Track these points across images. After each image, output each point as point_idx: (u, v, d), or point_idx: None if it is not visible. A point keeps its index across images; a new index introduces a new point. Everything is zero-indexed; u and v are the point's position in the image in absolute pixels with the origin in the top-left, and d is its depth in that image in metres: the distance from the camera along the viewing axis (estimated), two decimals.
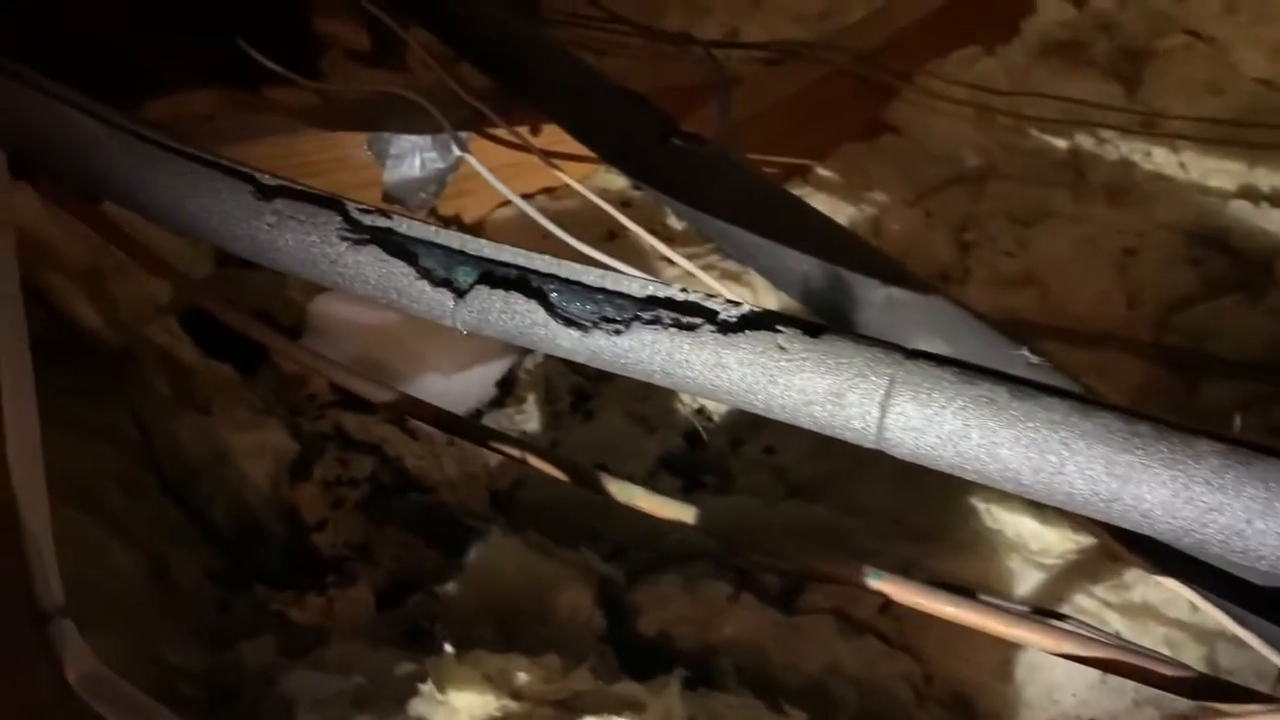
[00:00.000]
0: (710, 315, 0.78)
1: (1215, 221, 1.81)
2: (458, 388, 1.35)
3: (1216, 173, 1.95)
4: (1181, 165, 1.99)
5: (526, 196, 1.74)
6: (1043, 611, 0.90)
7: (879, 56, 2.19)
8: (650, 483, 1.27)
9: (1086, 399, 0.69)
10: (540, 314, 0.83)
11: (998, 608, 0.74)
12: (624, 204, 1.83)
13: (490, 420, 1.40)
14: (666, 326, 0.79)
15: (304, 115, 1.70)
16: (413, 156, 1.64)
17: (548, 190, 1.84)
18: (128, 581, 0.94)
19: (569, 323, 0.83)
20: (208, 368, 1.24)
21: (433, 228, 0.91)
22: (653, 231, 1.45)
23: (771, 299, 1.60)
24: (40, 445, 0.85)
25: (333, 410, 1.34)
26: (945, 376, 0.71)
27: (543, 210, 1.51)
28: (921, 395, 0.70)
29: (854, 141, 2.14)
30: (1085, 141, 2.08)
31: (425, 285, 0.88)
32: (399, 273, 0.89)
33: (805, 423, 0.74)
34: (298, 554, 1.16)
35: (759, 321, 0.76)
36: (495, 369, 1.41)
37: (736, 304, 0.78)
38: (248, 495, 1.13)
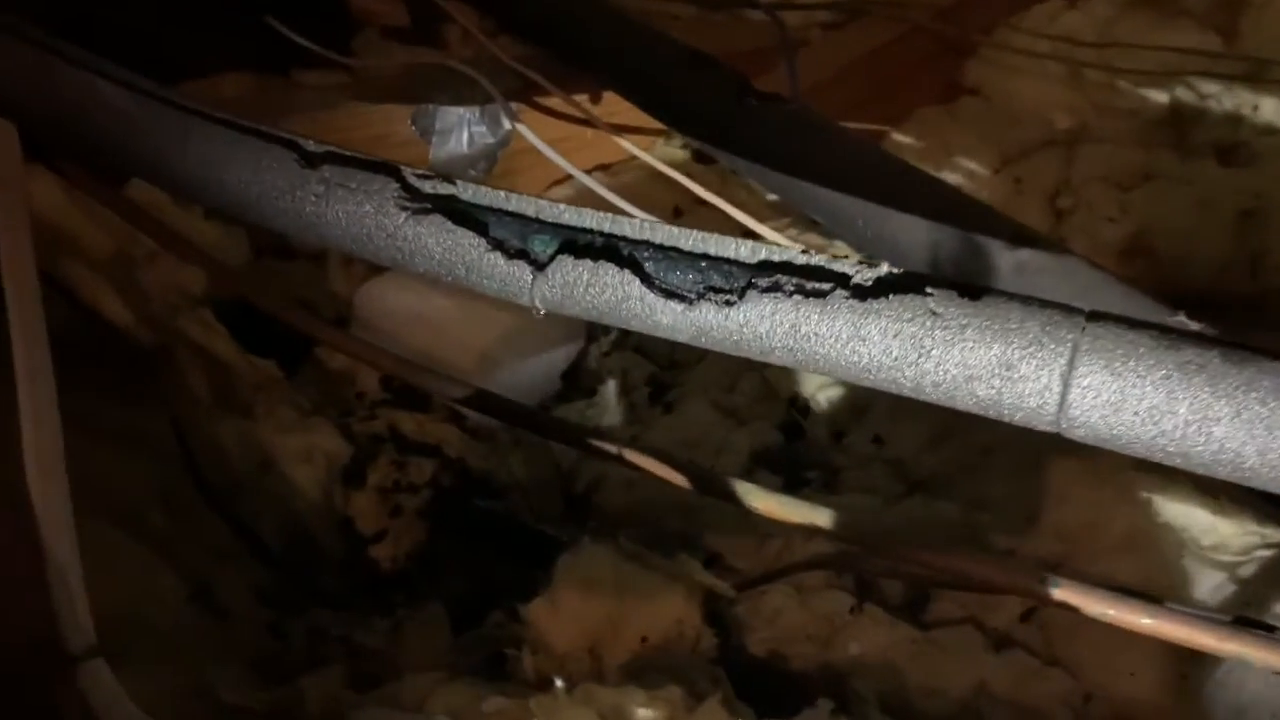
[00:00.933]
0: (842, 279, 0.68)
1: None
2: (518, 381, 1.25)
3: None
4: None
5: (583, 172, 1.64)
6: (1246, 621, 0.79)
7: (953, 13, 2.07)
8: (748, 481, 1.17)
9: None
10: (635, 286, 0.74)
11: (1199, 619, 0.63)
12: (687, 178, 1.73)
13: (560, 414, 1.30)
14: (789, 294, 0.69)
15: (340, 93, 1.61)
16: (460, 131, 1.55)
17: (603, 166, 1.74)
18: (172, 609, 0.85)
19: (669, 295, 0.73)
20: (249, 364, 1.15)
21: (503, 192, 0.82)
22: None
23: None
24: (63, 459, 0.76)
25: (385, 409, 1.25)
26: (1141, 341, 0.60)
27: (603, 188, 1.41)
28: (1115, 364, 0.59)
29: (930, 106, 2.02)
30: (1185, 96, 1.95)
31: (498, 257, 0.78)
32: (468, 244, 0.79)
33: (965, 403, 0.64)
34: (356, 570, 1.07)
35: (903, 283, 0.66)
36: (560, 359, 1.31)
37: (873, 264, 0.68)
38: (298, 505, 1.04)
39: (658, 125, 1.48)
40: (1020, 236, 1.00)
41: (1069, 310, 0.62)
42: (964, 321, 0.63)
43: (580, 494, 1.18)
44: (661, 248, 0.75)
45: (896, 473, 1.14)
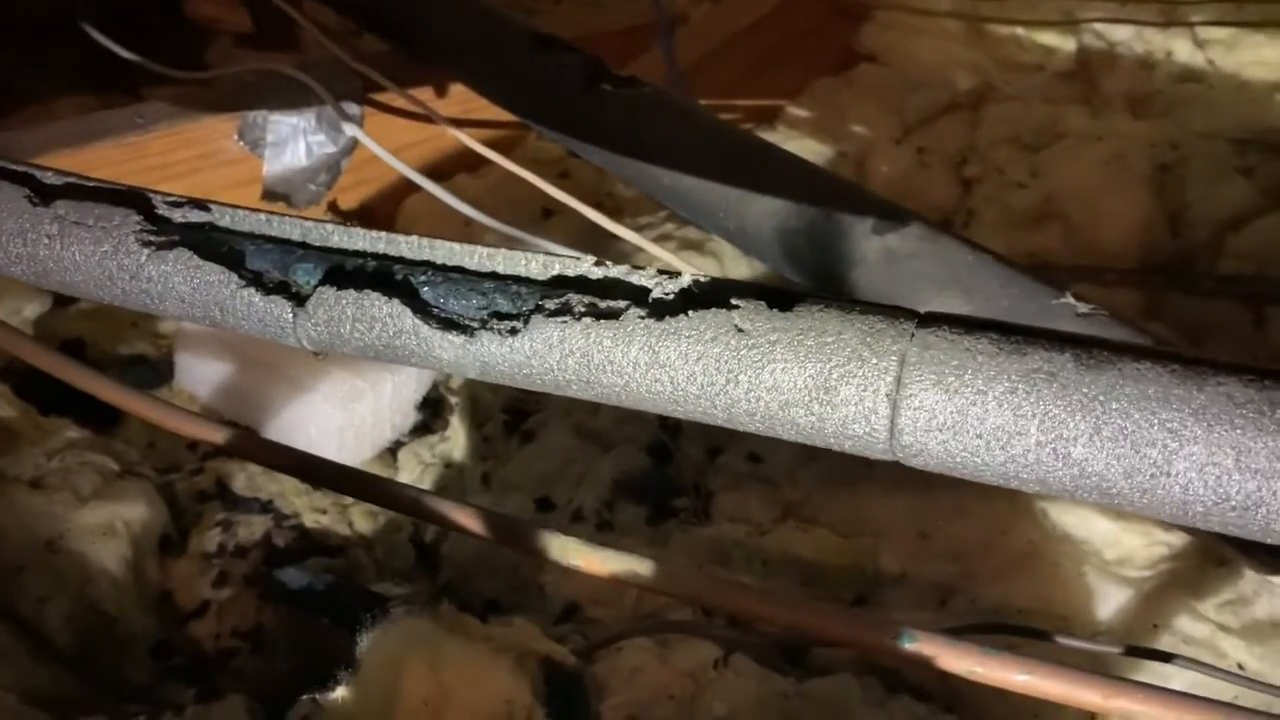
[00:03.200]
0: (640, 294, 0.59)
1: (1261, 121, 1.62)
2: (364, 416, 1.15)
3: (1253, 65, 1.76)
4: (1210, 61, 1.80)
5: (443, 177, 1.54)
6: (1140, 651, 0.71)
7: None
8: (608, 514, 1.08)
9: (1189, 359, 0.50)
10: (407, 318, 0.64)
11: (1079, 675, 0.55)
12: (561, 175, 1.64)
13: (412, 451, 1.20)
14: (579, 317, 0.60)
15: (163, 110, 1.50)
16: (296, 142, 1.44)
17: (469, 168, 1.64)
18: None
19: (448, 325, 0.64)
20: (38, 427, 1.04)
21: (264, 216, 0.72)
22: (598, 205, 1.26)
23: (743, 269, 1.41)
24: None
25: (216, 461, 1.14)
26: (979, 347, 0.51)
27: (462, 192, 1.32)
28: (949, 378, 0.51)
29: (825, 76, 1.95)
30: (1094, 45, 1.88)
31: (253, 294, 0.69)
32: (218, 280, 0.70)
33: (787, 433, 0.55)
34: (171, 652, 0.96)
35: (706, 295, 0.57)
36: (412, 386, 1.22)
37: (673, 275, 0.59)
38: (96, 587, 0.94)
39: None
40: (889, 216, 0.92)
41: (896, 315, 0.54)
42: (774, 338, 0.54)
43: (430, 544, 1.09)
44: (443, 268, 0.67)
45: (771, 494, 1.06)
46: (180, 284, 0.71)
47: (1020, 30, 1.92)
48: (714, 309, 0.56)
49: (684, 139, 1.09)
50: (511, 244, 1.14)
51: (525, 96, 1.28)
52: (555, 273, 0.63)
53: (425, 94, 1.51)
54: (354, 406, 1.13)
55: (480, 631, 0.77)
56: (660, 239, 1.43)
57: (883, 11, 2.02)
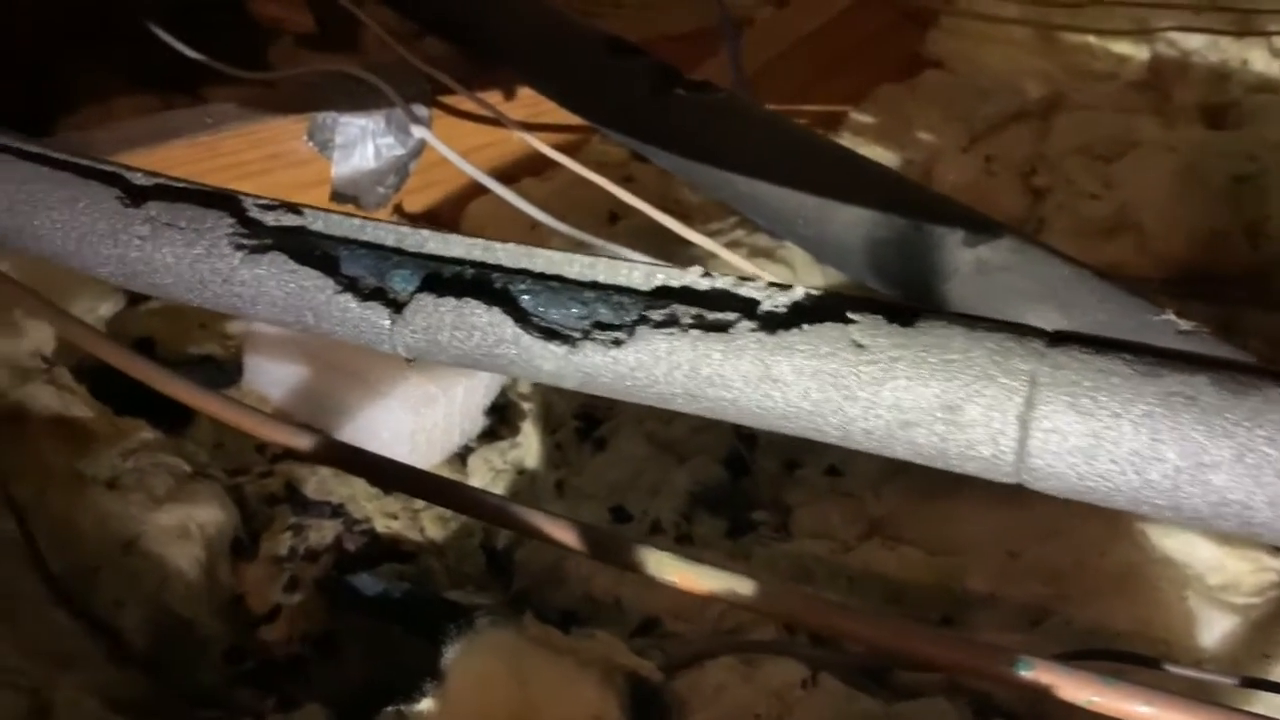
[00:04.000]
0: (748, 306, 0.58)
1: None
2: (435, 421, 1.14)
3: None
4: None
5: (509, 181, 1.53)
6: (1258, 683, 0.69)
7: None
8: (685, 527, 1.06)
9: None
10: (508, 327, 0.63)
11: (1203, 706, 0.53)
12: (626, 180, 1.63)
13: (482, 457, 1.19)
14: (687, 329, 0.58)
15: (233, 111, 1.50)
16: (364, 144, 1.44)
17: (535, 172, 1.63)
18: None
19: (550, 335, 0.63)
20: (113, 427, 1.04)
21: (359, 221, 0.72)
22: (664, 210, 1.25)
23: (816, 277, 1.39)
24: None
25: (285, 464, 1.14)
26: (1114, 368, 0.50)
27: (529, 196, 1.31)
28: (1082, 400, 0.49)
29: (891, 82, 1.92)
30: (1167, 53, 1.85)
31: (350, 300, 0.68)
32: (313, 285, 0.69)
33: (904, 453, 0.54)
34: (243, 657, 0.96)
35: (819, 309, 0.56)
36: (481, 391, 1.21)
37: (784, 287, 0.57)
38: (170, 591, 0.93)
39: None
40: (981, 228, 0.90)
41: (1025, 333, 0.52)
42: (894, 354, 0.52)
43: (502, 551, 1.08)
44: (542, 277, 0.65)
45: (854, 509, 1.04)
46: (274, 288, 0.70)
47: (1092, 39, 1.89)
48: (829, 323, 0.55)
49: (762, 145, 1.08)
50: (579, 249, 1.12)
51: (597, 101, 1.27)
52: (659, 283, 0.62)
53: (492, 97, 1.51)
54: (426, 411, 1.12)
55: (565, 644, 0.76)
56: (730, 246, 1.41)
57: (950, 18, 2.00)
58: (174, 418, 1.13)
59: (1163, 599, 0.87)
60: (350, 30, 2.07)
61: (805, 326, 0.55)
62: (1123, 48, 1.87)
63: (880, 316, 0.54)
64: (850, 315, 0.54)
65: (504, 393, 1.26)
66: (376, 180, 1.46)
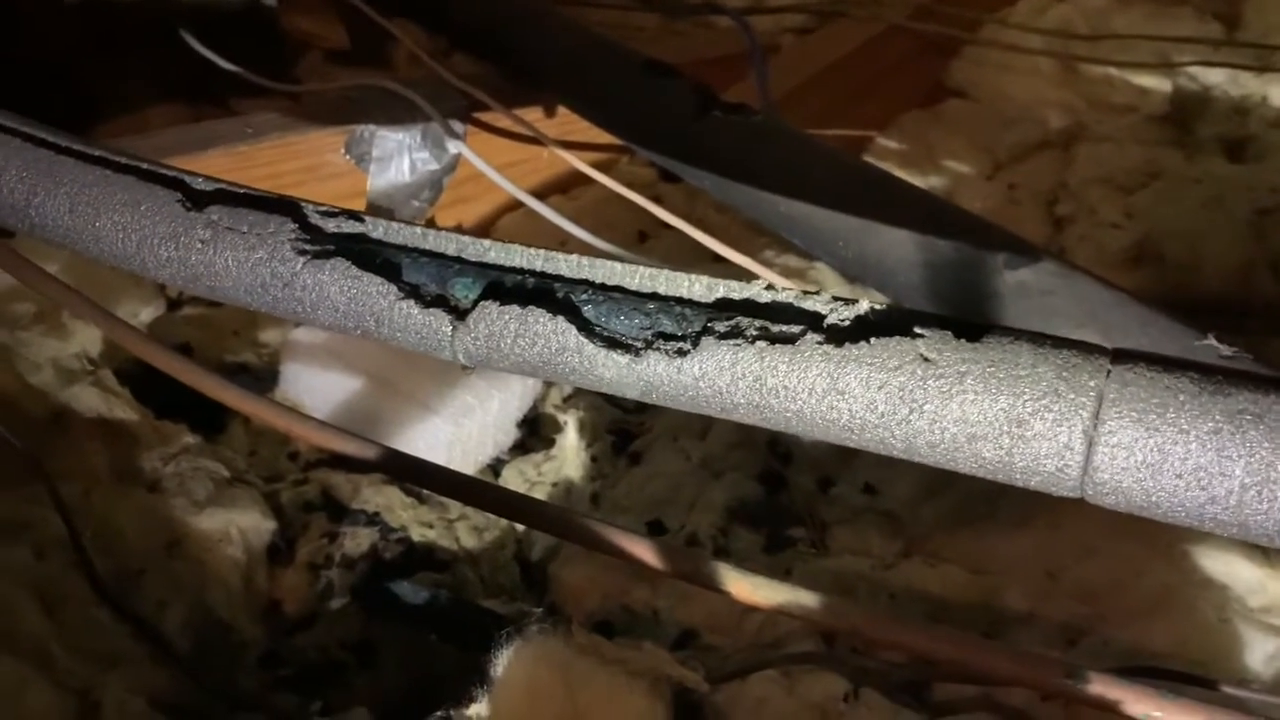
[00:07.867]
0: (814, 320, 0.58)
1: None
2: (471, 432, 1.15)
3: None
4: None
5: (538, 198, 1.54)
6: None
7: (935, 9, 1.99)
8: (723, 541, 1.07)
9: None
10: (572, 335, 0.64)
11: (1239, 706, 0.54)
12: (655, 199, 1.64)
13: (516, 469, 1.19)
14: (752, 340, 0.59)
15: (272, 121, 1.51)
16: (400, 157, 1.45)
17: (562, 190, 1.65)
18: None
19: (612, 344, 0.63)
20: (155, 430, 1.05)
21: (419, 228, 0.73)
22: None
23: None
24: None
25: (320, 471, 1.15)
26: (1180, 386, 0.50)
27: (558, 213, 1.32)
28: (1150, 416, 0.50)
29: (915, 110, 1.94)
30: (1188, 88, 1.87)
31: (412, 306, 0.69)
32: (376, 292, 0.70)
33: (969, 466, 0.54)
34: (280, 663, 0.96)
35: (886, 323, 0.57)
36: (515, 404, 1.21)
37: (848, 301, 0.58)
38: (211, 594, 0.94)
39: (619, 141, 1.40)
40: (1020, 251, 0.91)
41: (1089, 350, 0.53)
42: (962, 369, 0.53)
43: (537, 562, 1.08)
44: (603, 287, 0.66)
45: (892, 527, 1.04)
46: (336, 294, 0.71)
47: (1113, 71, 1.91)
48: (896, 337, 0.56)
49: (802, 166, 1.09)
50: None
51: (636, 121, 1.28)
52: (720, 295, 0.63)
53: (527, 114, 1.52)
54: (464, 421, 1.13)
55: (613, 653, 0.76)
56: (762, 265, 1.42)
57: (973, 48, 2.01)
58: (210, 423, 1.14)
59: (1201, 620, 0.88)
60: (379, 47, 2.10)
61: (872, 340, 0.56)
62: (1144, 81, 1.89)
63: (947, 331, 0.55)
64: (917, 330, 0.55)
65: (534, 405, 1.27)
66: (411, 194, 1.47)
